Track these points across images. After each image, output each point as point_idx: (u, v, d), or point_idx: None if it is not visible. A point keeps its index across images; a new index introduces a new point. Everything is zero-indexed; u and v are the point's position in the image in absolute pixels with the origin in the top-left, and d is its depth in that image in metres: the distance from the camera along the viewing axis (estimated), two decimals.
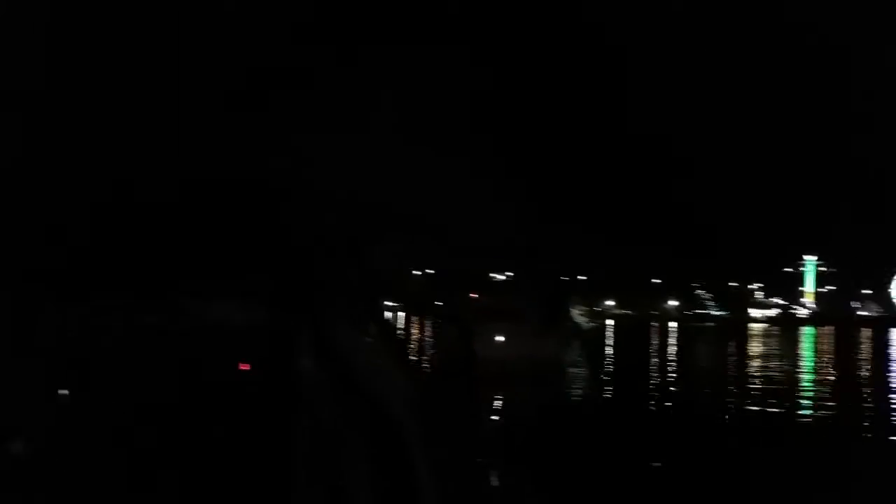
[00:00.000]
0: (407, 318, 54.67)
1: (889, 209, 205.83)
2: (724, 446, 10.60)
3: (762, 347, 42.31)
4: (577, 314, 43.00)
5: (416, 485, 1.73)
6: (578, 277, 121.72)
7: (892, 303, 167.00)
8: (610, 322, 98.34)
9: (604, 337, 47.64)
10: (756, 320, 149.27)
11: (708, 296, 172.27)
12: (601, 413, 13.70)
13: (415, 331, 42.54)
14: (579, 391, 17.45)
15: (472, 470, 2.63)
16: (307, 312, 2.00)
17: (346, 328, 1.92)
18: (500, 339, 22.96)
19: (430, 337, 34.80)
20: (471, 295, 28.50)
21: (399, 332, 37.29)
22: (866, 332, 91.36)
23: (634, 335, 57.08)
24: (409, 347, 27.96)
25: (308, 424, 1.66)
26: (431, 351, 28.43)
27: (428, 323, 39.14)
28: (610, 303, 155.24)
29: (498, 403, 14.43)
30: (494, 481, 3.05)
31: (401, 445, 1.74)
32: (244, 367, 1.92)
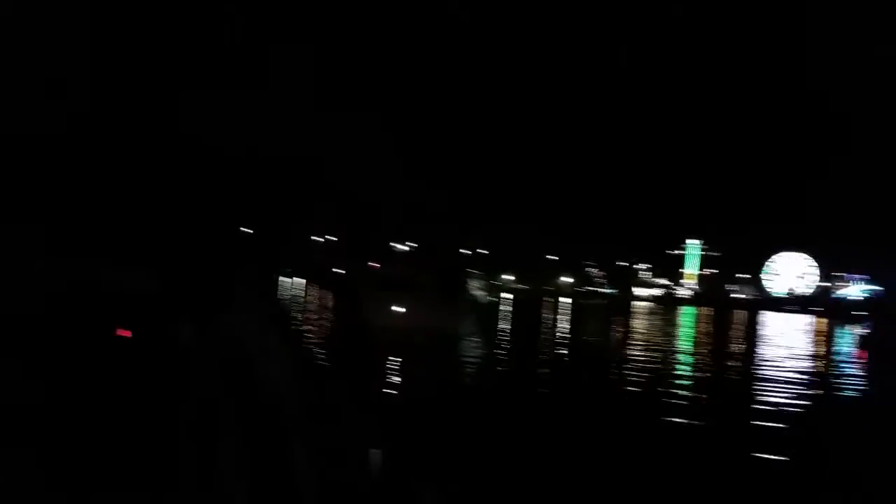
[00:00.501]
0: (307, 286, 53.73)
1: (765, 202, 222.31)
2: (608, 416, 11.07)
3: (644, 323, 44.77)
4: (476, 287, 43.70)
5: (291, 465, 1.67)
6: (479, 251, 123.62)
7: (764, 287, 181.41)
8: (507, 296, 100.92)
9: (499, 310, 48.75)
10: (641, 298, 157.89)
11: (599, 274, 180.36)
12: (493, 386, 13.94)
13: (313, 299, 41.81)
14: (474, 363, 17.71)
15: (356, 455, 2.57)
16: (198, 284, 2.02)
17: (237, 304, 1.93)
18: (399, 309, 22.94)
19: (326, 305, 34.38)
20: (370, 264, 28.20)
21: (292, 303, 36.48)
22: (740, 314, 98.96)
23: (528, 309, 58.85)
24: (301, 320, 27.41)
25: (189, 393, 1.64)
26: (324, 320, 28.05)
27: (326, 291, 38.53)
28: (508, 277, 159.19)
29: (394, 374, 14.42)
30: (378, 465, 2.88)
31: (278, 423, 1.69)
32: (124, 333, 1.83)
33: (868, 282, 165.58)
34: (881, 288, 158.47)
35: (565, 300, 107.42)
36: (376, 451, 2.83)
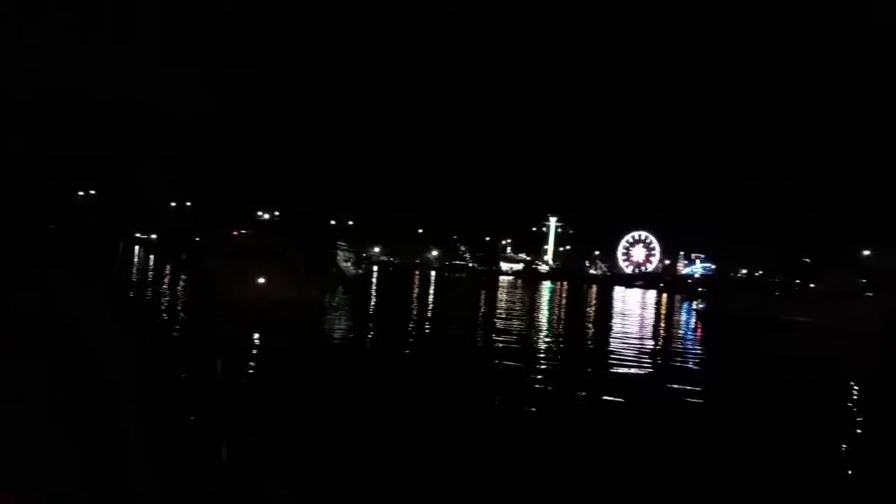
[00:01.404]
0: (158, 256, 50.07)
1: (616, 182, 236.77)
2: (469, 385, 11.00)
3: (505, 296, 46.23)
4: (343, 259, 42.85)
5: (125, 452, 1.50)
6: (348, 223, 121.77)
7: (618, 264, 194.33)
8: (375, 268, 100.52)
9: (368, 282, 48.26)
10: (504, 273, 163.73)
11: (465, 248, 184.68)
12: (356, 359, 13.46)
13: (163, 268, 39.01)
14: (338, 336, 17.11)
15: (196, 442, 2.53)
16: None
17: (70, 281, 1.86)
18: (261, 280, 21.77)
19: (177, 276, 32.16)
20: (233, 233, 26.53)
21: (138, 273, 33.78)
22: (593, 288, 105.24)
23: (395, 282, 58.91)
24: (147, 291, 25.35)
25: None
26: (172, 292, 26.18)
27: (179, 262, 36.07)
28: (376, 249, 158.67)
29: (251, 348, 13.51)
30: (223, 455, 2.71)
31: (111, 408, 1.54)
32: None
33: (703, 260, 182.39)
34: (715, 266, 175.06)
35: (433, 273, 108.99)
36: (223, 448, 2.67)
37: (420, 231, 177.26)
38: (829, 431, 10.43)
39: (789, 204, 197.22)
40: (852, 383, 16.55)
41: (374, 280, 55.49)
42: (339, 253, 41.33)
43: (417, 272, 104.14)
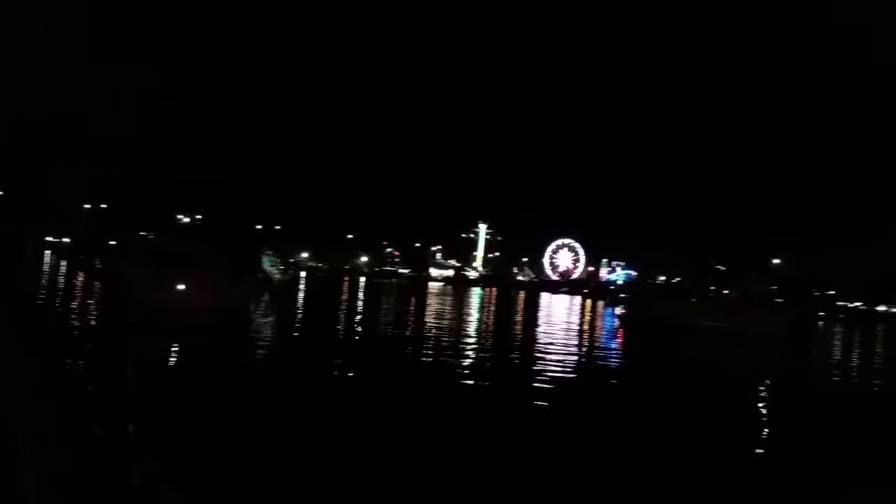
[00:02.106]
0: (70, 262, 47.40)
1: (544, 191, 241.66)
2: (399, 389, 10.95)
3: (435, 302, 46.34)
4: (269, 264, 41.85)
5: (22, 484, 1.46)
6: (275, 228, 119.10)
7: (545, 271, 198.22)
8: (303, 274, 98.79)
9: (295, 288, 47.34)
10: (434, 279, 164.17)
11: (395, 254, 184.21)
12: (279, 372, 13.13)
13: (78, 279, 37.02)
14: (264, 344, 16.67)
15: (96, 458, 2.44)
16: None
17: None
18: (181, 287, 20.95)
19: (89, 282, 30.58)
20: (149, 237, 25.46)
21: (44, 279, 31.93)
22: (521, 294, 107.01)
23: (323, 288, 58.00)
24: (54, 299, 24.01)
25: None
26: (84, 299, 24.87)
27: (93, 268, 34.32)
28: (304, 255, 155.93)
29: (169, 359, 12.97)
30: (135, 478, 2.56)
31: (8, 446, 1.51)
32: None
33: (625, 267, 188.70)
34: (635, 273, 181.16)
35: (362, 279, 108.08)
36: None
37: (350, 237, 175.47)
38: (728, 426, 11.02)
39: (707, 214, 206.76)
40: (757, 381, 17.55)
41: (301, 287, 54.51)
42: (265, 258, 40.35)
43: (347, 278, 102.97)
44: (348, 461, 7.13)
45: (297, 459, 7.02)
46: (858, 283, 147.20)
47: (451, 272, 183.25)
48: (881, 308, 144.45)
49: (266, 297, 31.41)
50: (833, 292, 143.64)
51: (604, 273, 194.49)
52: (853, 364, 27.24)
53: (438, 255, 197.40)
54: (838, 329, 66.54)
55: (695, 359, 23.61)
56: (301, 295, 42.64)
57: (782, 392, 16.84)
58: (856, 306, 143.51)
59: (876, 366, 27.79)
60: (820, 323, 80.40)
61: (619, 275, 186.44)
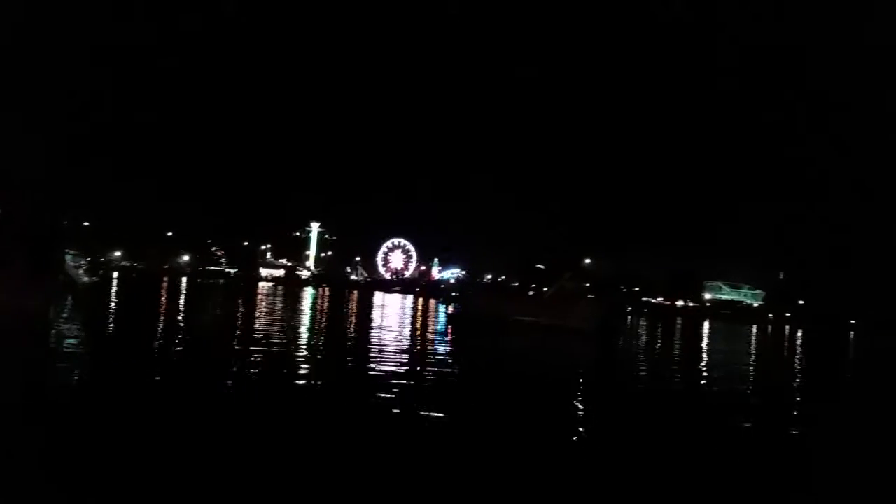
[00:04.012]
0: None
1: (373, 188, 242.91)
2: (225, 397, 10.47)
3: (264, 302, 44.86)
4: (74, 265, 38.09)
5: None
6: (83, 224, 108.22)
7: (378, 270, 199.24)
8: (115, 275, 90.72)
9: (104, 291, 43.40)
10: (264, 279, 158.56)
11: (221, 253, 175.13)
12: (87, 382, 11.99)
13: None
14: (68, 352, 15.08)
15: None
16: None
17: None
18: None
19: None
20: None
21: None
22: (354, 294, 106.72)
23: (139, 290, 53.80)
24: None
25: None
26: None
27: None
28: (117, 254, 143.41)
29: None
30: None
31: None
32: None
33: (454, 266, 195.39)
34: (465, 272, 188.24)
35: (184, 280, 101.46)
36: None
37: (169, 234, 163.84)
38: (539, 409, 11.97)
39: (529, 215, 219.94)
40: (564, 370, 19.16)
41: (113, 289, 50.09)
42: (69, 257, 36.72)
43: (166, 279, 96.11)
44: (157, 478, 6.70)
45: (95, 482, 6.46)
46: (660, 280, 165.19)
47: (281, 272, 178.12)
48: (680, 303, 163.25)
49: (70, 299, 28.50)
50: (638, 289, 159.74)
51: (435, 272, 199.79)
52: (654, 353, 30.53)
53: (268, 255, 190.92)
54: (643, 322, 74.00)
55: (514, 352, 25.21)
56: (112, 298, 39.17)
57: (588, 379, 18.41)
58: (658, 301, 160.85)
59: (675, 355, 31.33)
60: (628, 317, 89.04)
61: (450, 273, 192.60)
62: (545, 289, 42.54)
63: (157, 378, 12.61)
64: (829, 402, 18.52)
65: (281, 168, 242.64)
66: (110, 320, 24.07)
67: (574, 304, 37.39)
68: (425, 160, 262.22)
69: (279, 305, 45.25)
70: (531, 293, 43.55)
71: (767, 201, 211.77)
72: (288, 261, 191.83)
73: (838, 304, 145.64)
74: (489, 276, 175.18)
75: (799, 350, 46.13)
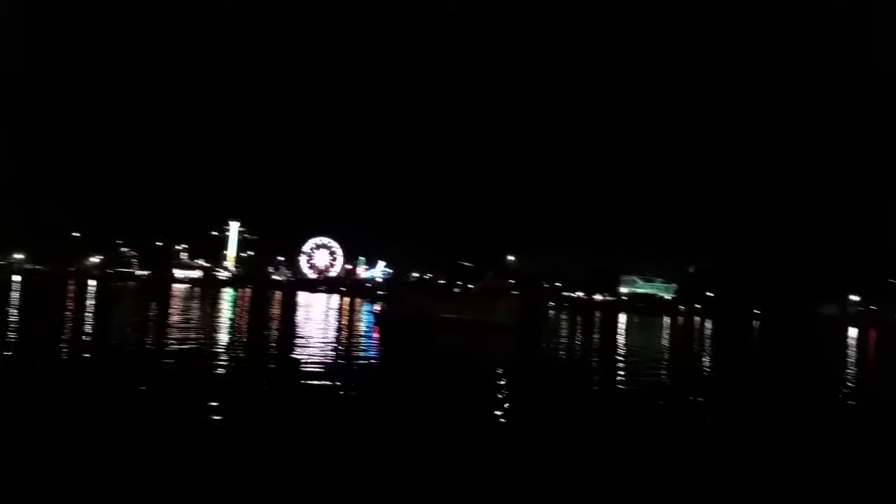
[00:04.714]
0: None
1: (297, 188, 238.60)
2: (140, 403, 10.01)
3: (179, 305, 43.23)
4: None
5: None
6: None
7: (302, 270, 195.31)
8: (16, 278, 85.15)
9: (2, 294, 40.72)
10: (180, 280, 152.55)
11: (132, 253, 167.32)
12: None
13: None
14: None
15: None
16: None
17: None
18: None
19: None
20: None
21: None
22: (277, 294, 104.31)
23: (43, 293, 50.77)
24: None
25: None
26: None
27: None
28: (19, 256, 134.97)
29: None
30: None
31: None
32: None
33: (376, 265, 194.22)
34: (392, 270, 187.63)
35: (92, 282, 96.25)
36: None
37: (76, 235, 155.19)
38: (459, 400, 12.12)
39: (455, 215, 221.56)
40: (487, 364, 19.43)
41: (11, 293, 47.08)
42: None
43: (72, 281, 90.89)
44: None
45: None
46: (579, 275, 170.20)
47: (198, 273, 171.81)
48: (598, 297, 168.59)
49: None
50: (559, 284, 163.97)
51: (361, 271, 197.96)
52: (574, 344, 31.43)
53: (184, 255, 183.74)
54: (564, 316, 75.97)
55: (440, 348, 25.35)
56: (13, 302, 36.77)
57: (508, 372, 18.75)
58: (578, 296, 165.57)
59: (593, 346, 32.33)
60: (550, 312, 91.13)
61: (377, 272, 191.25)
62: (470, 286, 42.96)
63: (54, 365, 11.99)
64: (726, 385, 19.57)
65: (198, 165, 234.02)
66: (9, 324, 22.53)
67: (498, 301, 37.97)
68: (351, 158, 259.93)
69: (195, 307, 43.72)
70: (457, 290, 43.83)
71: (679, 197, 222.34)
72: (205, 261, 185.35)
73: (744, 296, 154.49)
74: (416, 274, 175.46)
75: (705, 339, 48.49)
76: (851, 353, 41.28)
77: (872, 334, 76.27)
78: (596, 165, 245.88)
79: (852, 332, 79.95)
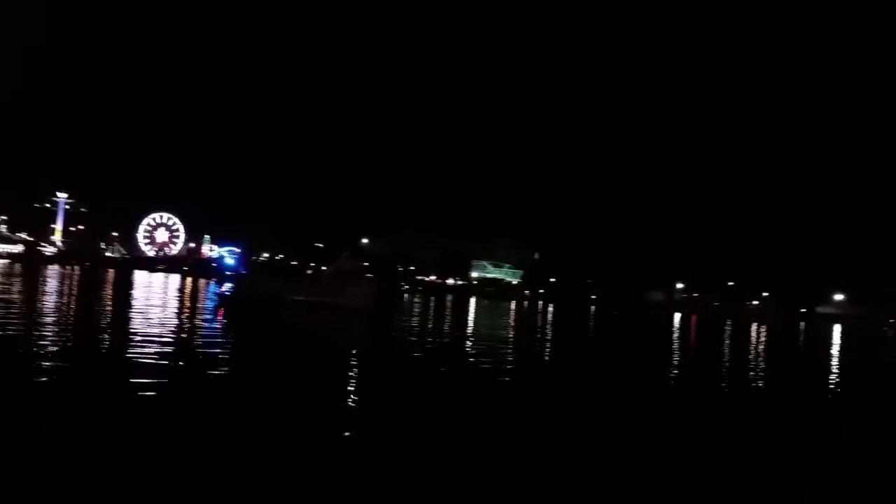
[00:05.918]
0: None
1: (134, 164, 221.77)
2: None
3: None
4: None
5: None
6: None
7: (140, 247, 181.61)
8: None
9: None
10: None
11: None
12: None
13: None
14: None
15: None
16: None
17: None
18: None
19: None
20: None
21: None
22: (110, 272, 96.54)
23: None
24: None
25: None
26: None
27: None
28: None
29: None
30: None
31: None
32: None
33: (227, 243, 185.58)
34: (240, 250, 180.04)
35: None
36: None
37: None
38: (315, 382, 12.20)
39: (309, 195, 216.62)
40: (341, 347, 19.56)
41: None
42: None
43: None
44: None
45: None
46: (433, 259, 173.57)
47: (20, 247, 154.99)
48: (450, 281, 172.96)
49: None
50: (413, 268, 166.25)
51: (206, 250, 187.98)
52: (426, 327, 32.19)
53: (3, 228, 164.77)
54: (417, 300, 77.24)
55: (290, 331, 25.08)
56: None
57: (361, 354, 19.02)
58: (431, 279, 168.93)
59: (444, 328, 33.29)
60: (405, 294, 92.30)
61: (224, 251, 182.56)
62: (323, 268, 42.53)
63: None
64: (563, 362, 21.25)
65: (22, 132, 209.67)
66: None
67: (352, 283, 37.96)
68: (199, 132, 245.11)
69: (13, 286, 39.53)
70: (310, 272, 43.27)
71: (530, 186, 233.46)
72: (28, 235, 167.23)
73: (584, 281, 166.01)
74: (266, 255, 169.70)
75: (547, 321, 51.70)
76: (672, 333, 45.89)
77: (693, 319, 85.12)
78: (450, 149, 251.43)
79: (676, 317, 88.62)
